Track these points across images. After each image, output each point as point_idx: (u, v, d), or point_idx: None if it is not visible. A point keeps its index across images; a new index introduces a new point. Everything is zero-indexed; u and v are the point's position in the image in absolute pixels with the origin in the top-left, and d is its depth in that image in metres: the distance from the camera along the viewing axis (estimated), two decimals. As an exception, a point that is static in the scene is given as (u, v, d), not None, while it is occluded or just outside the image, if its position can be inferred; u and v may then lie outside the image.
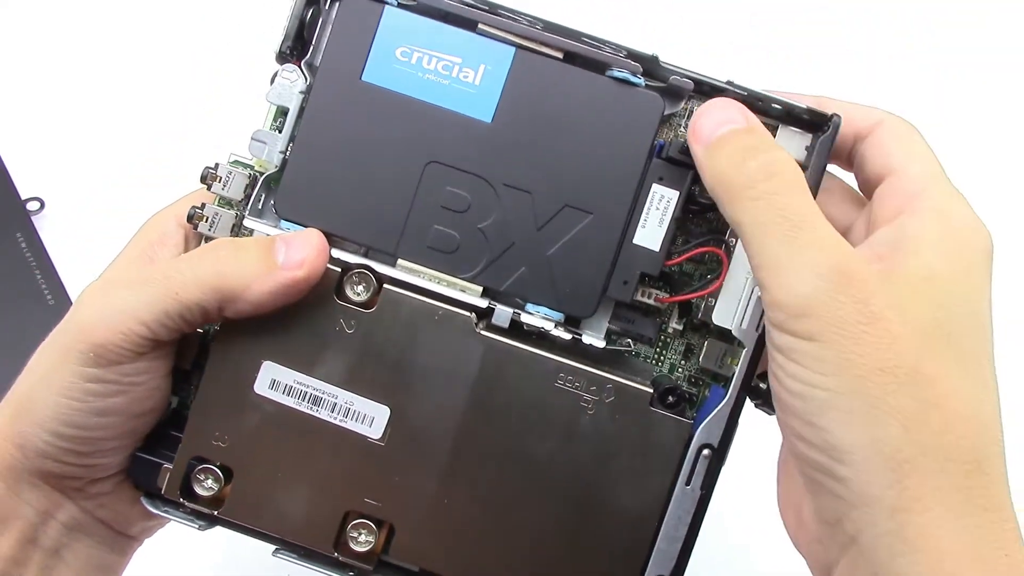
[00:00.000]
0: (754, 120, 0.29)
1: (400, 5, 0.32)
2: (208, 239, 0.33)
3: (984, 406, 0.27)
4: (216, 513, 0.32)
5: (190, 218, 0.33)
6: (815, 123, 0.32)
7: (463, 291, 0.32)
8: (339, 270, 0.31)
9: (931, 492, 0.26)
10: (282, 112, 0.33)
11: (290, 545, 0.32)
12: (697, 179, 0.31)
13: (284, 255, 0.30)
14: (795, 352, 0.27)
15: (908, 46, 0.65)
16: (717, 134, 0.29)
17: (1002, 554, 0.26)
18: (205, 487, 0.32)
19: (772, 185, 0.27)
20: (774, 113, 0.33)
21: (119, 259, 0.34)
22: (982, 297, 0.28)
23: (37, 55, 0.63)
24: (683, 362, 0.33)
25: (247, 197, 0.33)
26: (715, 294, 0.32)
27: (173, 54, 0.63)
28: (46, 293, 0.52)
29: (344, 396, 0.31)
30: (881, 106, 0.32)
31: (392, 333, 0.31)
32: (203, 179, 0.33)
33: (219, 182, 0.33)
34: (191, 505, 0.32)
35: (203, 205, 0.33)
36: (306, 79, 0.32)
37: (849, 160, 0.32)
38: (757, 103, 0.32)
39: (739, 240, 0.31)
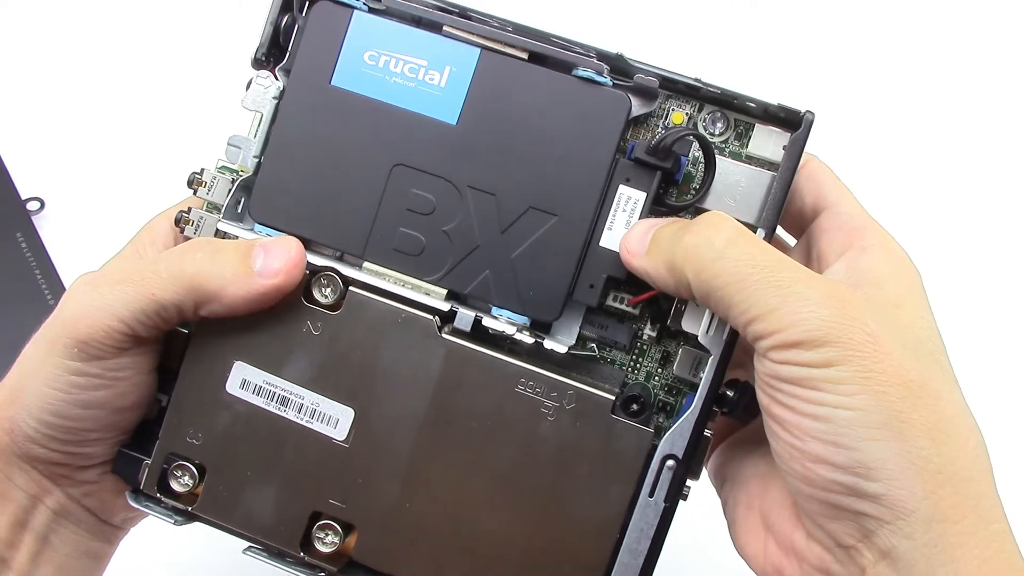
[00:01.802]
0: (658, 223, 0.30)
1: (370, 10, 0.32)
2: (186, 237, 0.34)
3: (972, 421, 0.28)
4: (190, 509, 0.32)
5: (177, 221, 0.34)
6: (789, 120, 0.32)
7: (427, 294, 0.32)
8: (307, 272, 0.31)
9: (964, 501, 0.26)
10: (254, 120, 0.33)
11: (260, 543, 0.32)
12: (665, 179, 0.31)
13: (261, 262, 0.31)
14: (813, 380, 0.27)
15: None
16: (647, 240, 0.30)
17: (1019, 561, 0.27)
18: (181, 483, 0.32)
19: (724, 241, 0.28)
20: (750, 112, 0.32)
21: (114, 259, 0.35)
22: (933, 322, 0.30)
23: (37, 55, 0.63)
24: (660, 370, 0.33)
25: (227, 200, 0.33)
26: (684, 300, 0.31)
27: (173, 54, 0.63)
28: (46, 293, 0.52)
29: (311, 397, 0.32)
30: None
31: (357, 335, 0.31)
32: (189, 183, 0.33)
33: (204, 187, 0.33)
34: (168, 500, 0.32)
35: (190, 209, 0.33)
36: (280, 85, 0.33)
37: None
38: (732, 101, 0.32)
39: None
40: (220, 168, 0.34)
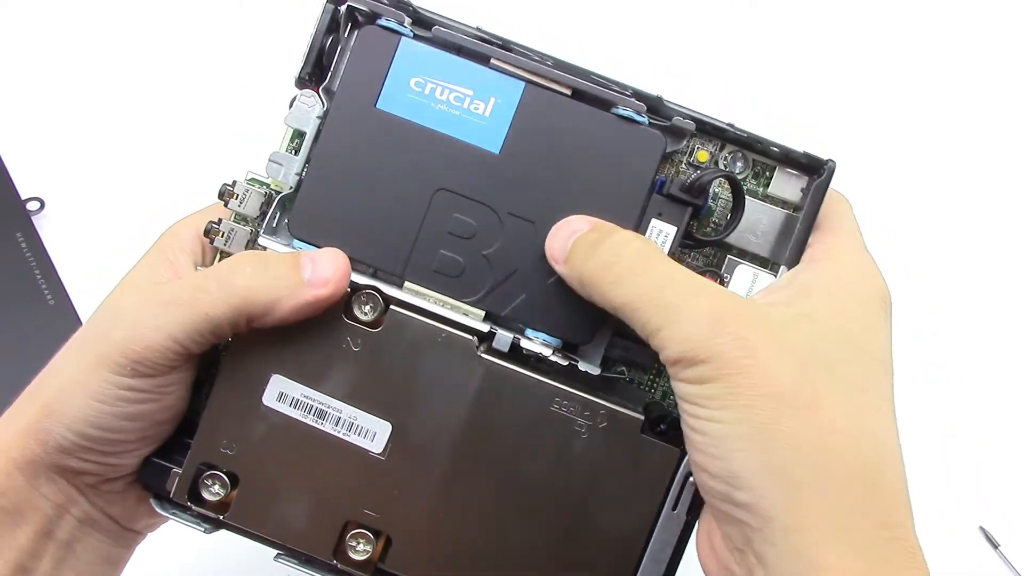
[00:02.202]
0: (596, 221, 0.31)
1: (416, 37, 0.33)
2: (224, 253, 0.34)
3: (874, 428, 0.28)
4: (221, 518, 0.33)
5: (207, 232, 0.34)
6: (811, 167, 0.33)
7: (466, 315, 0.33)
8: (349, 290, 0.32)
9: (825, 510, 0.27)
10: (298, 135, 0.34)
11: (291, 551, 0.33)
12: (695, 215, 0.33)
13: (311, 272, 0.31)
14: (694, 396, 0.28)
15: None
16: (567, 247, 0.31)
17: (892, 570, 0.27)
18: (212, 492, 0.33)
19: (631, 265, 0.29)
20: (772, 155, 0.34)
21: (139, 266, 0.35)
22: (874, 336, 0.30)
23: (37, 55, 0.63)
24: (655, 396, 0.35)
25: (262, 215, 0.34)
26: None
27: (173, 53, 0.63)
28: (46, 293, 0.52)
29: (348, 411, 0.32)
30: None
31: (397, 352, 0.32)
32: (220, 195, 0.34)
33: (236, 199, 0.34)
34: (197, 509, 0.33)
35: (219, 220, 0.34)
36: (323, 104, 0.33)
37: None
38: (756, 144, 0.33)
39: (731, 276, 0.33)
40: (250, 180, 0.34)
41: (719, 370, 0.27)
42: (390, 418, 0.32)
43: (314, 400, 0.32)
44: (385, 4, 0.33)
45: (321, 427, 0.32)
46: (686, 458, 0.32)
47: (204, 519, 0.33)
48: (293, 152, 0.34)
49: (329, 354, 0.32)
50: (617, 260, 0.30)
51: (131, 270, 0.35)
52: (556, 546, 0.32)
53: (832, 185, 0.33)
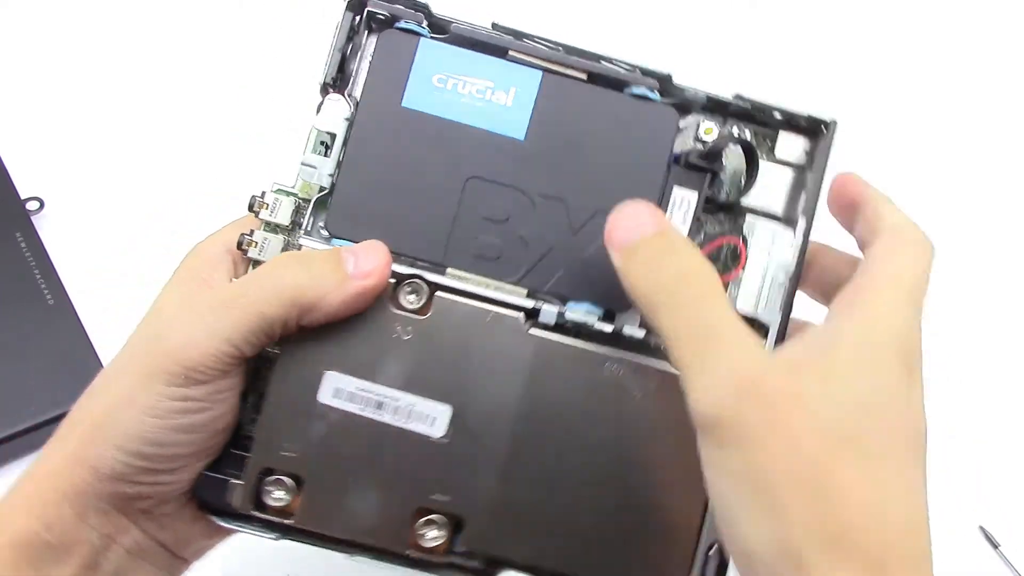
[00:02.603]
0: (664, 223, 0.30)
1: (433, 36, 0.34)
2: (258, 263, 0.34)
3: (890, 506, 0.26)
4: (289, 523, 0.33)
5: (240, 244, 0.34)
6: (813, 129, 0.34)
7: (509, 294, 0.34)
8: (393, 280, 0.33)
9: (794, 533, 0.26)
10: (324, 138, 0.34)
11: (362, 547, 0.33)
12: (712, 181, 0.34)
13: (354, 265, 0.32)
14: (714, 460, 0.27)
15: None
16: (629, 241, 0.30)
17: None
18: (275, 498, 0.33)
19: (683, 296, 0.28)
20: (774, 123, 0.35)
21: (169, 288, 0.35)
22: (905, 403, 0.28)
23: (37, 55, 0.63)
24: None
25: (293, 223, 0.35)
26: (736, 283, 0.34)
27: (173, 53, 0.63)
28: (46, 293, 0.52)
29: (406, 399, 0.33)
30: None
31: (447, 336, 0.33)
32: (250, 207, 0.35)
33: (267, 209, 0.34)
34: (264, 517, 0.33)
35: (251, 231, 0.34)
36: (351, 107, 0.34)
37: (861, 243, 0.32)
38: (759, 115, 0.35)
39: (751, 236, 0.34)
40: (277, 191, 0.35)
41: (740, 440, 0.26)
42: (449, 401, 0.33)
43: (371, 392, 0.33)
44: (402, 7, 0.34)
45: (380, 418, 0.33)
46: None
47: (272, 527, 0.33)
48: (323, 153, 0.34)
49: (380, 346, 0.33)
50: (675, 288, 0.29)
51: (160, 294, 0.34)
52: (624, 507, 0.33)
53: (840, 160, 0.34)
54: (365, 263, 0.32)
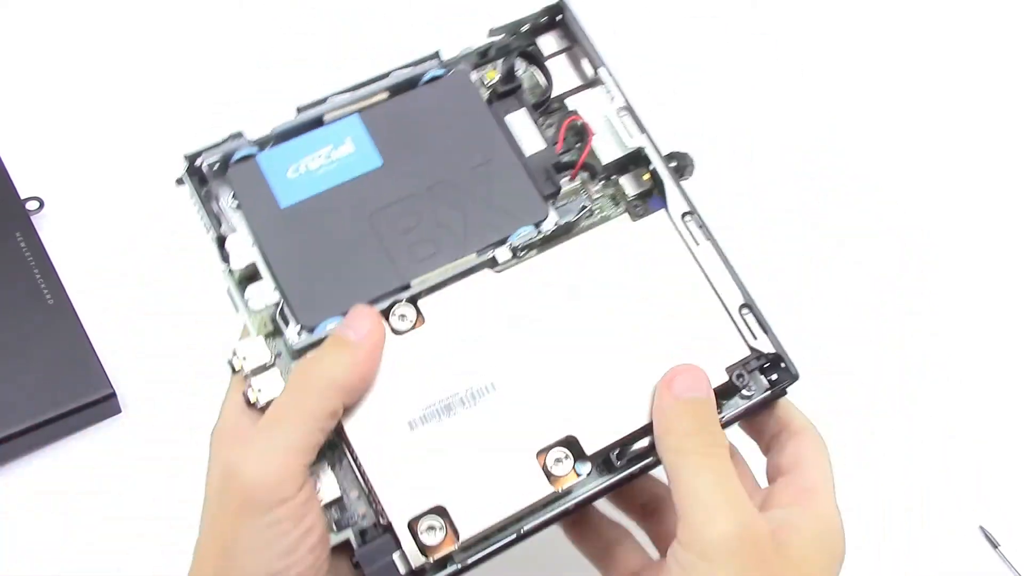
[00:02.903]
0: (710, 392, 0.35)
1: (262, 148, 0.39)
2: (269, 403, 0.35)
3: None
4: (460, 545, 0.34)
5: (251, 403, 0.35)
6: (553, 17, 0.42)
7: (465, 264, 0.37)
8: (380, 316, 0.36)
9: None
10: (247, 274, 0.37)
11: (524, 517, 0.35)
12: (521, 95, 0.41)
13: (355, 333, 0.34)
14: (690, 568, 0.31)
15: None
16: (686, 396, 0.35)
17: None
18: (435, 535, 0.34)
19: (713, 453, 0.34)
20: (527, 39, 0.42)
21: (210, 480, 0.35)
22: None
23: (37, 55, 0.63)
24: (616, 208, 0.41)
25: (272, 355, 0.36)
26: (594, 150, 0.40)
27: (172, 53, 0.63)
28: (46, 293, 0.52)
29: (461, 388, 0.36)
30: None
31: (451, 325, 0.36)
32: (233, 369, 0.36)
33: (246, 360, 0.36)
34: (439, 556, 0.34)
35: (248, 387, 0.35)
36: (248, 235, 0.38)
37: (767, 445, 0.39)
38: (514, 35, 0.41)
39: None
40: (241, 343, 0.36)
41: (721, 565, 0.31)
42: (492, 376, 0.36)
43: (432, 404, 0.35)
44: (227, 145, 0.39)
45: (457, 415, 0.35)
46: (665, 209, 0.40)
47: (448, 561, 0.34)
48: (263, 279, 0.37)
49: (407, 369, 0.36)
50: (707, 446, 0.34)
51: (207, 503, 0.34)
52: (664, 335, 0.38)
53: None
54: (360, 326, 0.35)
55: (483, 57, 0.41)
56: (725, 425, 0.37)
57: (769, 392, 0.38)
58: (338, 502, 0.35)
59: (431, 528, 0.34)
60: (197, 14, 0.65)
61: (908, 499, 0.50)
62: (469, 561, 0.34)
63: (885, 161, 0.61)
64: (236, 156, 0.38)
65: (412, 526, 0.34)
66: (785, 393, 0.38)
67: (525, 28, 0.41)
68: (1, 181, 0.55)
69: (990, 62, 0.65)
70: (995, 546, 0.49)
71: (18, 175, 0.56)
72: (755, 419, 0.39)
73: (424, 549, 0.34)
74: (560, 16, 0.42)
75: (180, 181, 0.39)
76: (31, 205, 0.55)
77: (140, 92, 0.61)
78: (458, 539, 0.34)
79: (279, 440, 0.32)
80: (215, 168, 0.39)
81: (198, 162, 0.39)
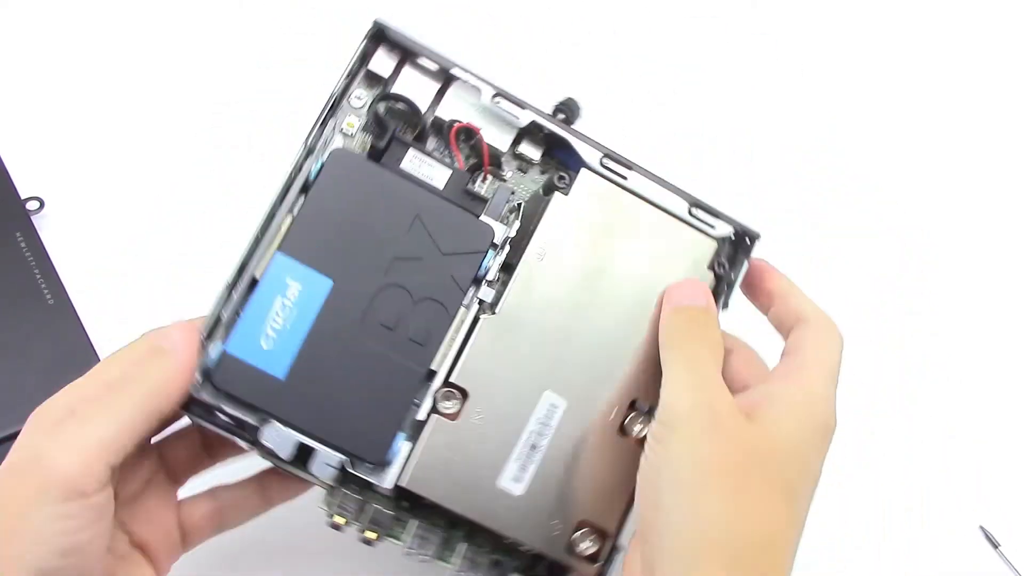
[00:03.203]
0: (711, 302, 0.39)
1: (224, 339, 0.38)
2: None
3: (779, 531, 0.34)
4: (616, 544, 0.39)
5: (337, 526, 0.38)
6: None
7: (465, 322, 0.39)
8: (429, 411, 0.38)
9: (714, 553, 0.32)
10: (299, 458, 0.38)
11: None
12: (392, 129, 0.40)
13: (169, 342, 0.36)
14: (660, 438, 0.35)
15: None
16: (683, 303, 0.39)
17: None
18: (590, 544, 0.39)
19: (699, 348, 0.37)
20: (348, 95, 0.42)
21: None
22: (815, 458, 0.36)
23: (37, 55, 0.63)
24: (536, 179, 0.42)
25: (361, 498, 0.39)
26: (489, 144, 0.41)
27: (172, 53, 0.63)
28: (46, 293, 0.52)
29: (531, 426, 0.39)
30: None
31: (491, 382, 0.39)
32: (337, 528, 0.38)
33: (346, 521, 0.38)
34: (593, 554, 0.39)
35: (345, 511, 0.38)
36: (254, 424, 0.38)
37: (785, 336, 0.40)
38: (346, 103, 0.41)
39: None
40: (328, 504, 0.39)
41: (686, 435, 0.34)
42: (541, 389, 0.39)
43: (521, 453, 0.39)
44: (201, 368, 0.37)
45: (542, 446, 0.39)
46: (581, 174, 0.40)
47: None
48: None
49: (483, 440, 0.38)
50: (697, 342, 0.37)
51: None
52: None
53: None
54: (175, 334, 0.36)
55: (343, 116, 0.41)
56: (727, 303, 0.41)
57: (746, 262, 0.41)
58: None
59: (588, 540, 0.39)
60: (197, 14, 0.65)
61: (908, 499, 0.50)
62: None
63: (885, 161, 0.61)
64: (210, 365, 0.37)
65: (573, 549, 0.39)
66: (749, 251, 0.41)
67: (360, 70, 0.41)
68: (1, 181, 0.55)
69: (990, 62, 0.65)
70: (995, 546, 0.49)
71: (18, 175, 0.56)
72: (774, 313, 0.41)
73: (585, 556, 0.39)
74: (384, 37, 0.41)
75: (188, 411, 0.38)
76: (31, 205, 0.55)
77: (140, 92, 0.61)
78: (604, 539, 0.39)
79: (90, 434, 0.32)
80: (210, 394, 0.37)
81: (194, 415, 0.38)
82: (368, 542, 0.38)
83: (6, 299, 0.51)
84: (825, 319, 0.39)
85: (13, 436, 0.48)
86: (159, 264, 0.55)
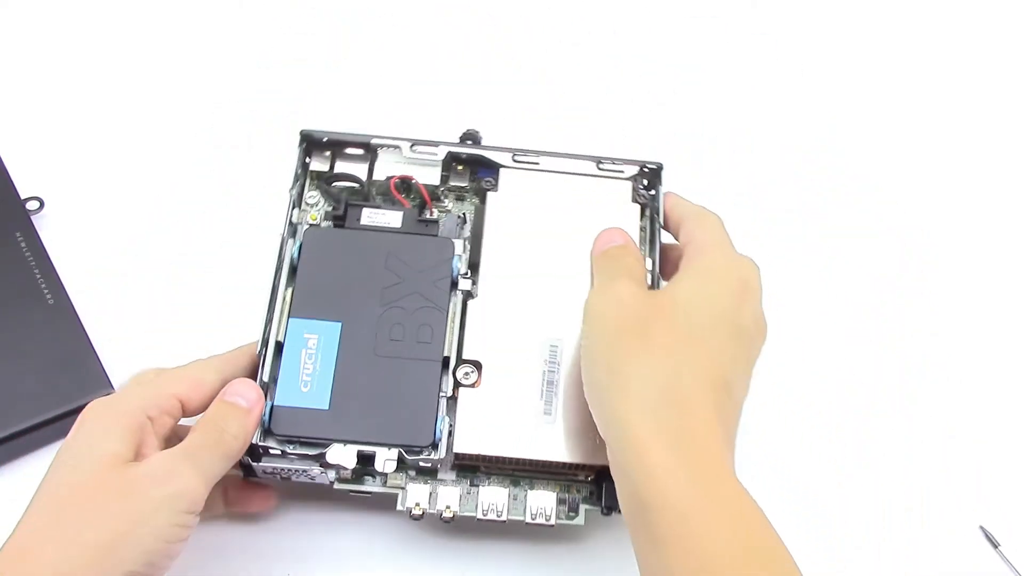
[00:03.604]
0: (628, 240, 0.46)
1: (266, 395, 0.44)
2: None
3: (695, 370, 0.38)
4: None
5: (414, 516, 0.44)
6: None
7: (455, 314, 0.47)
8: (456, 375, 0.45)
9: (635, 406, 0.37)
10: (363, 470, 0.45)
11: None
12: (344, 201, 0.49)
13: (245, 400, 0.42)
14: (583, 332, 0.42)
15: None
16: (604, 246, 0.45)
17: (688, 438, 0.36)
18: None
19: (618, 265, 0.44)
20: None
21: None
22: (721, 305, 0.41)
23: (37, 55, 0.63)
24: (470, 200, 0.51)
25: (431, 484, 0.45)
26: (424, 185, 0.50)
27: (173, 53, 0.63)
28: (46, 293, 0.52)
29: (541, 362, 0.45)
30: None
31: (499, 348, 0.46)
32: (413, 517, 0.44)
33: (418, 505, 0.44)
34: None
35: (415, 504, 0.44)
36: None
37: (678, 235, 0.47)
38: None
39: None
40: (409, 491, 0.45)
41: (595, 319, 0.42)
42: (538, 335, 0.46)
43: (543, 390, 0.45)
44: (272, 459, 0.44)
45: (558, 378, 0.45)
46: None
47: None
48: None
49: (507, 392, 0.45)
50: (615, 263, 0.45)
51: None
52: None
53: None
54: (249, 393, 0.42)
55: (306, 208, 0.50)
56: (664, 226, 0.48)
57: (655, 192, 0.49)
58: None
59: None
60: (197, 14, 0.65)
61: (908, 499, 0.50)
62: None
63: (885, 161, 0.61)
64: (266, 419, 0.44)
65: None
66: (659, 177, 0.49)
67: (305, 174, 0.50)
68: (1, 181, 0.55)
69: (990, 62, 0.65)
70: (995, 546, 0.49)
71: (18, 175, 0.56)
72: (670, 226, 0.47)
73: None
74: (312, 140, 0.50)
75: (255, 459, 0.44)
76: (31, 205, 0.55)
77: (140, 92, 0.61)
78: None
79: (208, 468, 0.40)
80: (275, 441, 0.44)
81: (260, 461, 0.44)
82: (447, 520, 0.43)
83: (6, 299, 0.51)
84: (700, 210, 0.46)
85: (13, 436, 0.48)
86: (159, 264, 0.55)
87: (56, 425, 0.48)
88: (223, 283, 0.53)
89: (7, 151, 0.57)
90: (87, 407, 0.41)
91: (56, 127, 0.60)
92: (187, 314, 0.54)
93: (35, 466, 0.48)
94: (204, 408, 0.42)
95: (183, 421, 0.43)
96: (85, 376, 0.49)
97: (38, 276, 0.52)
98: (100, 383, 0.49)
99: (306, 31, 0.64)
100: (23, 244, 0.53)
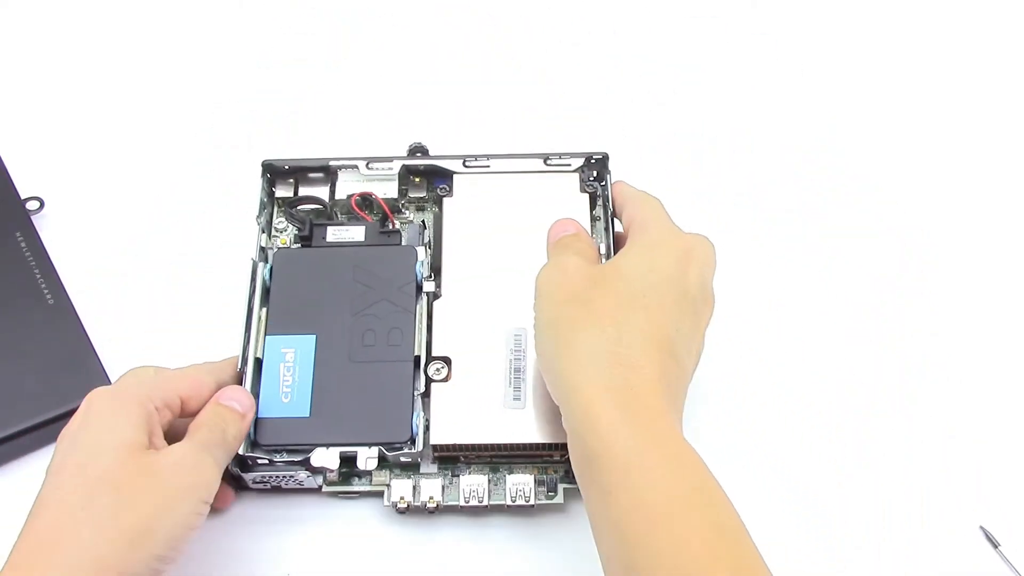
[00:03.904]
0: (580, 228, 0.47)
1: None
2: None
3: (636, 332, 0.40)
4: None
5: (399, 510, 0.47)
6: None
7: (421, 315, 0.49)
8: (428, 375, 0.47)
9: (582, 368, 0.39)
10: (348, 465, 0.46)
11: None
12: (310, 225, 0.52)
13: (240, 406, 0.44)
14: (533, 307, 0.43)
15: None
16: (556, 237, 0.46)
17: (625, 384, 0.38)
18: None
19: (568, 248, 0.45)
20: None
21: None
22: (664, 273, 0.42)
23: (37, 55, 0.63)
24: (428, 208, 0.54)
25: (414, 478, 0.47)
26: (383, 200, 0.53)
27: (173, 53, 0.63)
28: (46, 293, 0.52)
29: (510, 353, 0.48)
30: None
31: (467, 349, 0.48)
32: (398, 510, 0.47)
33: (402, 498, 0.46)
34: None
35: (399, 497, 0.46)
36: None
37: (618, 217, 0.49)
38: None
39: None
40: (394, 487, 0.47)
41: (543, 292, 0.43)
42: (503, 326, 0.48)
43: (510, 378, 0.47)
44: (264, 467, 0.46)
45: (525, 366, 0.47)
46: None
47: None
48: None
49: (478, 387, 0.47)
50: (564, 247, 0.45)
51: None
52: None
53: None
54: (244, 398, 0.44)
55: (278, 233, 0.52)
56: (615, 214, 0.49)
57: (604, 181, 0.52)
58: None
59: None
60: (197, 14, 0.65)
61: (908, 499, 0.50)
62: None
63: (885, 161, 0.61)
64: (251, 432, 0.45)
65: None
66: (606, 166, 0.52)
67: (271, 202, 0.53)
68: (1, 181, 0.55)
69: (990, 62, 0.65)
70: (995, 546, 0.49)
71: (18, 175, 0.56)
72: (616, 210, 0.49)
73: None
74: (274, 169, 0.53)
75: (245, 469, 0.46)
76: (31, 205, 0.55)
77: (140, 92, 0.61)
78: None
79: (223, 461, 0.42)
80: (262, 451, 0.46)
81: (250, 470, 0.46)
82: (432, 511, 0.45)
83: (6, 299, 0.51)
84: (642, 193, 0.48)
85: (13, 436, 0.48)
86: (159, 264, 0.55)
87: (56, 425, 0.48)
88: (223, 283, 0.53)
89: (7, 151, 0.57)
90: (91, 395, 0.41)
91: (56, 127, 0.60)
92: (187, 314, 0.54)
93: (35, 466, 0.48)
94: (199, 409, 0.43)
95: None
96: (85, 376, 0.49)
97: (38, 276, 0.52)
98: (100, 383, 0.49)
99: (306, 31, 0.64)
100: (23, 244, 0.53)
